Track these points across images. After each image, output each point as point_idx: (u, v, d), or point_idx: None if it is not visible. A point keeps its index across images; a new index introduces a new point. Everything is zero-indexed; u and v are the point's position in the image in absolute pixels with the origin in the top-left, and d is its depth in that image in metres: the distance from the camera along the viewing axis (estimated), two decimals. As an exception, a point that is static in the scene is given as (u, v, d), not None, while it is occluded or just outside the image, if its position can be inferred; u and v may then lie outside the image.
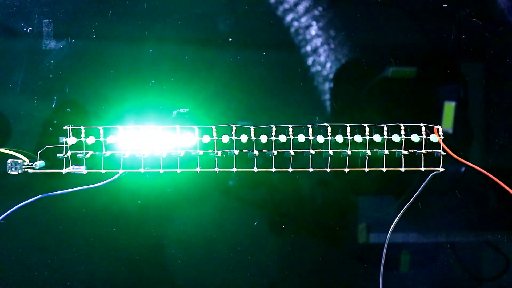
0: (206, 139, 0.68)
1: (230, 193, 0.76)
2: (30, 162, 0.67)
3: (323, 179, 0.75)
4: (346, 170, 0.69)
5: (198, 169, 0.68)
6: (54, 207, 0.74)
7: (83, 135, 0.68)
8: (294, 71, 0.75)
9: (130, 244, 0.75)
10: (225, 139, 0.68)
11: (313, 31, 0.75)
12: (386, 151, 0.68)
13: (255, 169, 0.69)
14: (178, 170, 0.68)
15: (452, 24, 0.74)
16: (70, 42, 0.72)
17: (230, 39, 0.73)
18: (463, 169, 0.75)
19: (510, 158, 0.76)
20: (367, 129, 0.68)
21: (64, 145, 0.67)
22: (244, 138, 0.68)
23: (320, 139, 0.68)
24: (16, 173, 0.67)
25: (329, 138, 0.68)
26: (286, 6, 0.74)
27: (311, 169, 0.68)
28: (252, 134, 0.68)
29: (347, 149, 0.68)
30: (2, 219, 0.67)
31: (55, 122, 0.72)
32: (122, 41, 0.73)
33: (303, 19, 0.75)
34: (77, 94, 0.72)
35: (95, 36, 0.72)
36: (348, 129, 0.68)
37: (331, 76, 0.75)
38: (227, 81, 0.74)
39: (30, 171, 0.67)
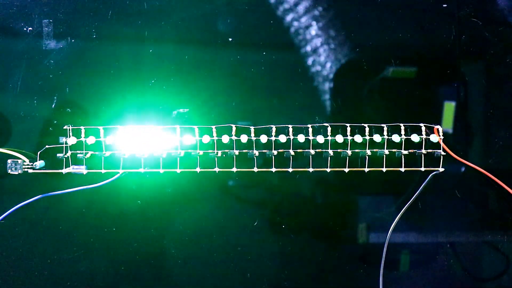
0: (206, 139, 0.68)
1: (230, 193, 0.76)
2: (30, 162, 0.67)
3: (323, 179, 0.75)
4: (346, 170, 0.69)
5: (198, 169, 0.68)
6: (54, 207, 0.74)
7: (83, 135, 0.68)
8: (294, 71, 0.75)
9: (130, 244, 0.75)
10: (225, 139, 0.68)
11: (313, 31, 0.75)
12: (386, 151, 0.68)
13: (255, 169, 0.69)
14: (178, 170, 0.68)
15: (452, 24, 0.74)
16: (70, 42, 0.72)
17: (230, 39, 0.73)
18: (463, 169, 0.75)
19: (510, 158, 0.76)
20: (367, 129, 0.68)
21: (64, 145, 0.67)
22: (244, 138, 0.68)
23: (320, 139, 0.68)
24: (16, 173, 0.67)
25: (329, 138, 0.68)
26: (286, 6, 0.74)
27: (311, 169, 0.68)
28: (252, 134, 0.68)
29: (347, 149, 0.68)
30: (2, 219, 0.67)
31: (55, 122, 0.72)
32: (122, 41, 0.73)
33: (303, 19, 0.75)
34: (77, 94, 0.72)
35: (95, 36, 0.72)
36: (348, 129, 0.68)
37: (331, 76, 0.75)
38: (227, 81, 0.74)
39: (30, 171, 0.67)
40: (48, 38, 0.72)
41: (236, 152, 0.68)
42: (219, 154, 0.68)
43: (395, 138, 0.68)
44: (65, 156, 0.67)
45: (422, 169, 0.69)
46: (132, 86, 0.73)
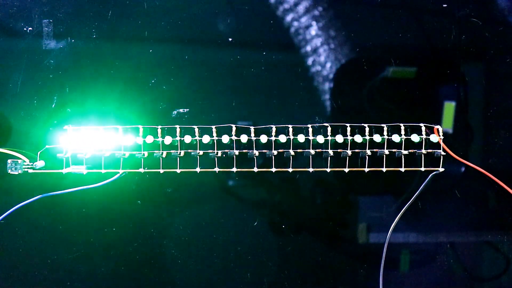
0: (206, 139, 0.68)
1: (230, 193, 0.76)
2: (30, 162, 0.67)
3: (323, 179, 0.75)
4: (346, 170, 0.69)
5: (198, 169, 0.68)
6: (54, 207, 0.74)
7: (84, 135, 0.68)
8: (294, 71, 0.75)
9: (130, 244, 0.75)
10: (225, 139, 0.68)
11: (313, 31, 0.75)
12: (386, 151, 0.68)
13: (255, 169, 0.69)
14: (178, 170, 0.68)
15: (452, 24, 0.74)
16: (70, 42, 0.72)
17: (230, 39, 0.73)
18: (463, 169, 0.75)
19: (510, 158, 0.76)
20: (367, 129, 0.68)
21: (64, 145, 0.67)
22: (244, 138, 0.68)
23: (320, 139, 0.68)
24: (16, 173, 0.67)
25: (329, 138, 0.68)
26: (286, 6, 0.74)
27: (311, 169, 0.68)
28: (252, 134, 0.68)
29: (347, 149, 0.68)
30: (2, 219, 0.67)
31: (55, 122, 0.72)
32: (122, 41, 0.73)
33: (303, 19, 0.75)
34: (77, 94, 0.72)
35: (95, 36, 0.72)
36: (348, 129, 0.68)
37: (331, 76, 0.75)
38: (227, 81, 0.74)
39: (30, 171, 0.67)
40: (48, 38, 0.72)
41: (236, 152, 0.68)
42: (219, 154, 0.68)
43: (395, 138, 0.68)
44: (65, 156, 0.67)
45: (422, 169, 0.69)
46: (132, 86, 0.73)
